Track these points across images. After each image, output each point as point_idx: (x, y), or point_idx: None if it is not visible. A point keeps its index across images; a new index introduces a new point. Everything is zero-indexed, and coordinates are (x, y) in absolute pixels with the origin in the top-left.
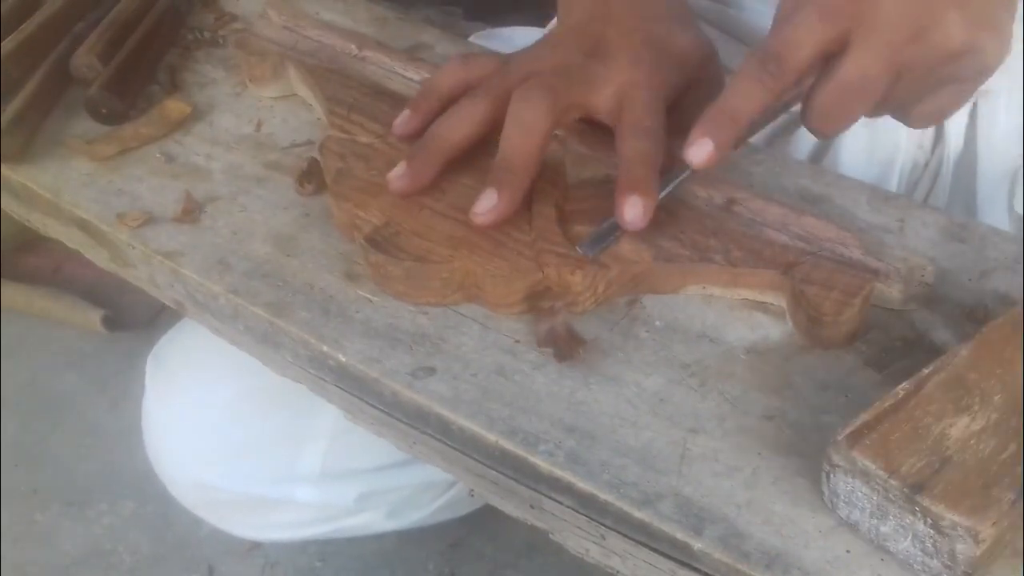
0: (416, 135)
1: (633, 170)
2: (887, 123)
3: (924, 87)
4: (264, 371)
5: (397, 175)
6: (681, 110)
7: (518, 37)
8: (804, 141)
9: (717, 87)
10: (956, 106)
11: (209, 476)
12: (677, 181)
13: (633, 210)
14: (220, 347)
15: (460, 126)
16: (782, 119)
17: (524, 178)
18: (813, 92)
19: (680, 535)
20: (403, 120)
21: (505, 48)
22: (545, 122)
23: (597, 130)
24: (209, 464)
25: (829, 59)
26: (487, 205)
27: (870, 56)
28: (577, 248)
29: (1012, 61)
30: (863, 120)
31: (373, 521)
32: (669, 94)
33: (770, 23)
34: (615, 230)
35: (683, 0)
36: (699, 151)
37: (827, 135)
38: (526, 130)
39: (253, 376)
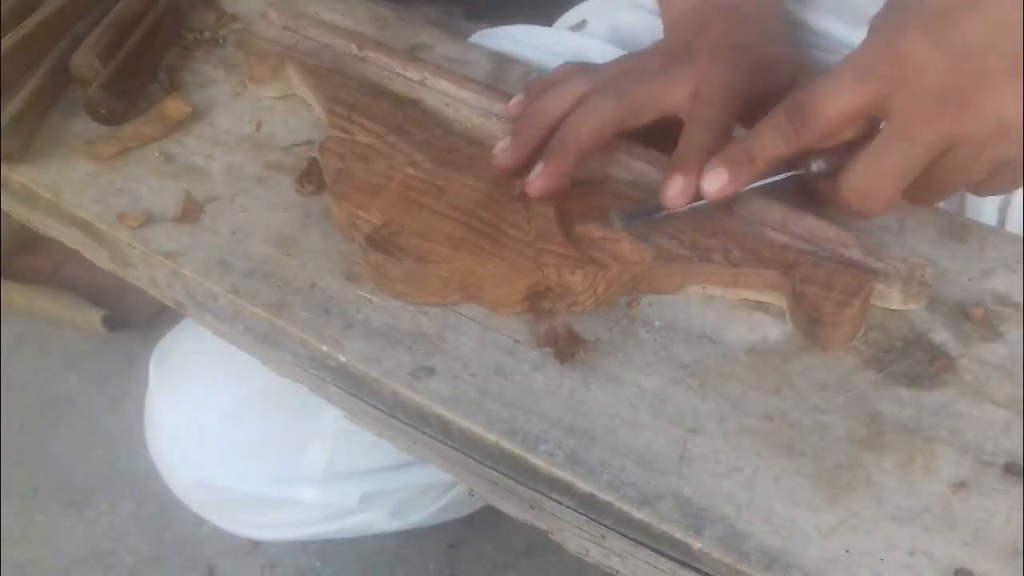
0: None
1: (682, 154)
2: None
3: (977, 163)
4: (269, 370)
5: (502, 149)
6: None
7: (521, 35)
8: None
9: None
10: (1018, 185)
11: (213, 476)
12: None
13: (673, 188)
14: (224, 346)
15: (559, 102)
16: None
17: (572, 153)
18: (848, 163)
19: (680, 535)
20: (515, 102)
21: (506, 46)
22: (608, 113)
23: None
24: (213, 464)
25: (871, 125)
26: (534, 174)
27: (909, 128)
28: (614, 220)
29: None
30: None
31: (375, 521)
32: (746, 95)
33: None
34: (658, 211)
35: (781, 18)
36: (715, 180)
37: (859, 213)
38: (587, 114)
39: (258, 375)
